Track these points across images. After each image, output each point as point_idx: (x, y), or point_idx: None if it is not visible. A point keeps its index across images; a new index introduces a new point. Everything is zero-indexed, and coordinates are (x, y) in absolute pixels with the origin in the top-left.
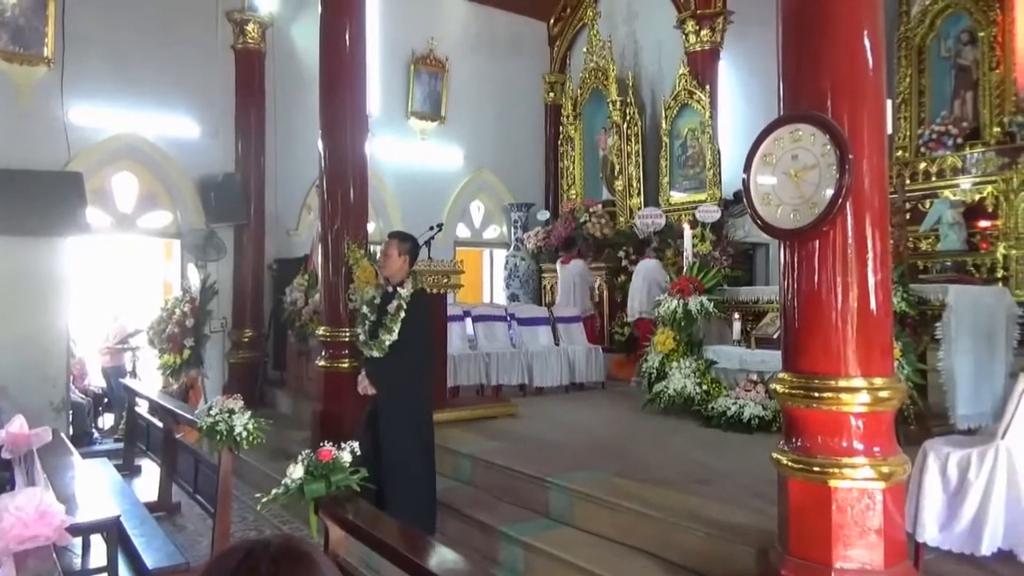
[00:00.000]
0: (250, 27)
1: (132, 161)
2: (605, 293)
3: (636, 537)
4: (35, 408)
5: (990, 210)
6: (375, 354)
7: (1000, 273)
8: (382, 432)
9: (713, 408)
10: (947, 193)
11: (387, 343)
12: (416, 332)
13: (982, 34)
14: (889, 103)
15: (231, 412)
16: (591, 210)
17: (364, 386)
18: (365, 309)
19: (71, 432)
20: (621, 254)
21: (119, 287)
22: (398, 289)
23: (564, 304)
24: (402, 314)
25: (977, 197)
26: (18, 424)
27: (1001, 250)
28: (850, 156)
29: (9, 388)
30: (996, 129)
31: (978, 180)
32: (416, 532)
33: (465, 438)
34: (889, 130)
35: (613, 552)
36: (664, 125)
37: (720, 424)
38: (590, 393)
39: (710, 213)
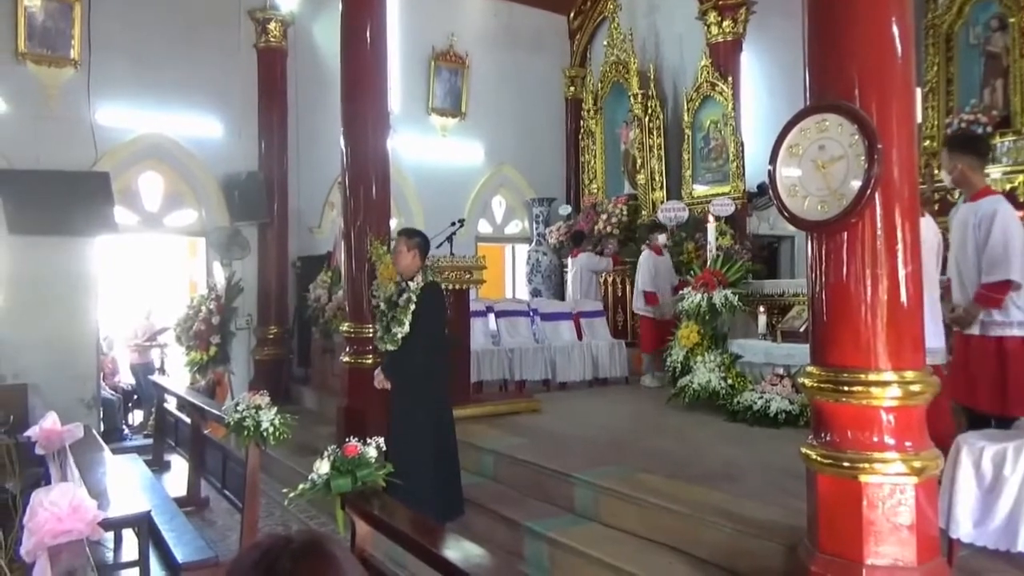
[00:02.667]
0: (272, 26)
1: (157, 161)
2: (627, 287)
3: (662, 533)
4: (67, 405)
5: (1022, 199)
6: (388, 347)
7: None
8: (394, 424)
9: (739, 402)
10: None
11: (399, 336)
12: (427, 324)
13: (1012, 20)
14: (918, 92)
15: (257, 408)
16: (609, 208)
17: (380, 380)
18: (383, 306)
19: (102, 428)
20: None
21: (147, 285)
22: (408, 283)
23: (575, 297)
24: (412, 306)
25: (1008, 187)
26: (51, 421)
27: None
28: (879, 146)
29: (41, 386)
30: None
31: (1009, 169)
32: (441, 527)
33: (488, 434)
34: (918, 119)
35: (639, 548)
36: (686, 118)
37: (746, 419)
38: (614, 388)
39: (724, 207)
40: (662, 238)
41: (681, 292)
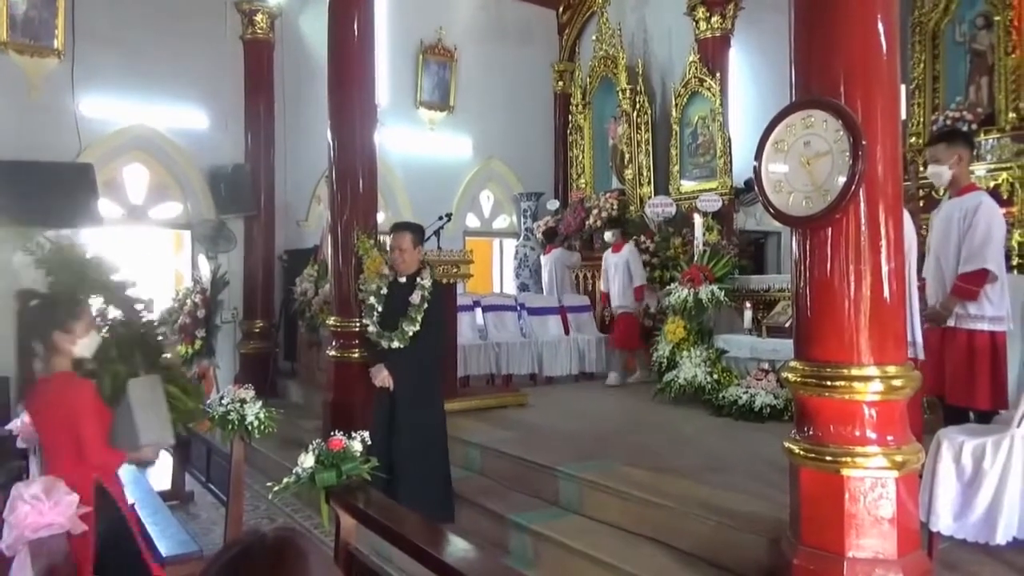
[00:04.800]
0: (259, 17)
1: (142, 152)
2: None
3: (646, 526)
4: None
5: (1006, 197)
6: (395, 344)
7: (1016, 261)
8: (400, 421)
9: (724, 397)
10: None
11: (410, 333)
12: (438, 322)
13: (998, 18)
14: (903, 89)
15: (242, 402)
16: (600, 203)
17: (383, 377)
18: (372, 300)
19: None
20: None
21: (131, 278)
22: (419, 280)
23: (550, 292)
24: (426, 304)
25: (992, 184)
26: None
27: (1017, 237)
28: (863, 142)
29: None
30: (1012, 115)
31: (993, 167)
32: (426, 520)
33: (475, 427)
34: (903, 116)
35: (623, 541)
36: (674, 113)
37: (731, 413)
38: (600, 382)
39: (711, 203)
40: (608, 235)
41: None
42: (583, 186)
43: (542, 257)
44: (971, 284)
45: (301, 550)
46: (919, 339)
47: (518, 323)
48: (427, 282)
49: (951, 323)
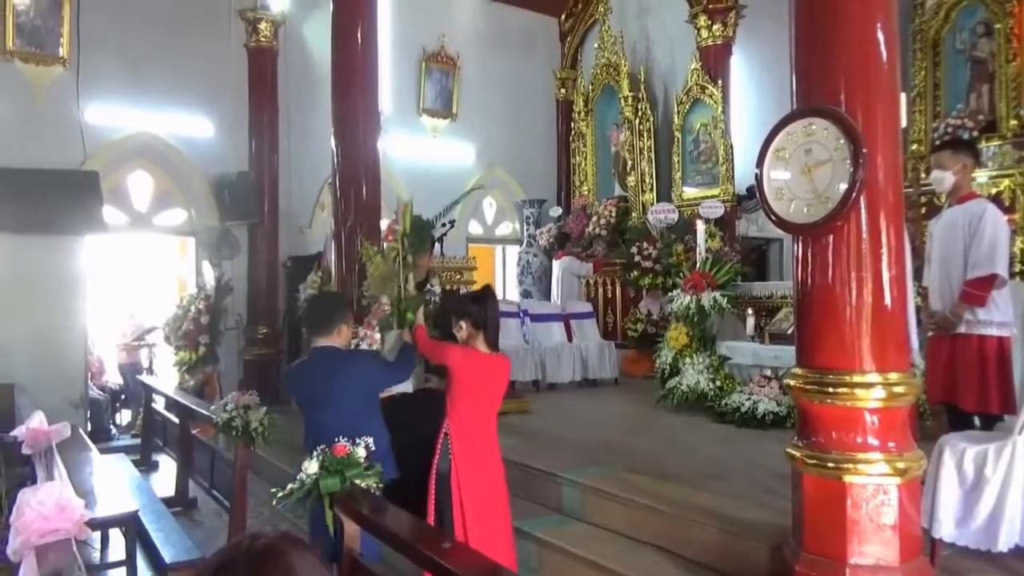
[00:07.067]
0: (263, 26)
1: (147, 160)
2: (617, 289)
3: (649, 533)
4: (54, 405)
5: (1007, 204)
6: None
7: (1018, 268)
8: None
9: (727, 404)
10: None
11: None
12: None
13: (998, 26)
14: (904, 97)
15: (246, 408)
16: (599, 211)
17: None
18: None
19: (89, 428)
20: (634, 250)
21: (135, 285)
22: (429, 287)
23: (557, 299)
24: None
25: (994, 191)
26: (38, 420)
27: (1019, 244)
28: (864, 150)
29: (28, 385)
30: (1013, 122)
31: (995, 174)
32: (429, 527)
33: None
34: (904, 124)
35: (626, 547)
36: (676, 120)
37: (734, 420)
38: (603, 389)
39: (714, 209)
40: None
41: None
42: (586, 193)
43: (554, 262)
44: (980, 290)
45: (284, 560)
46: (916, 345)
47: (521, 330)
48: (436, 288)
49: (962, 329)
